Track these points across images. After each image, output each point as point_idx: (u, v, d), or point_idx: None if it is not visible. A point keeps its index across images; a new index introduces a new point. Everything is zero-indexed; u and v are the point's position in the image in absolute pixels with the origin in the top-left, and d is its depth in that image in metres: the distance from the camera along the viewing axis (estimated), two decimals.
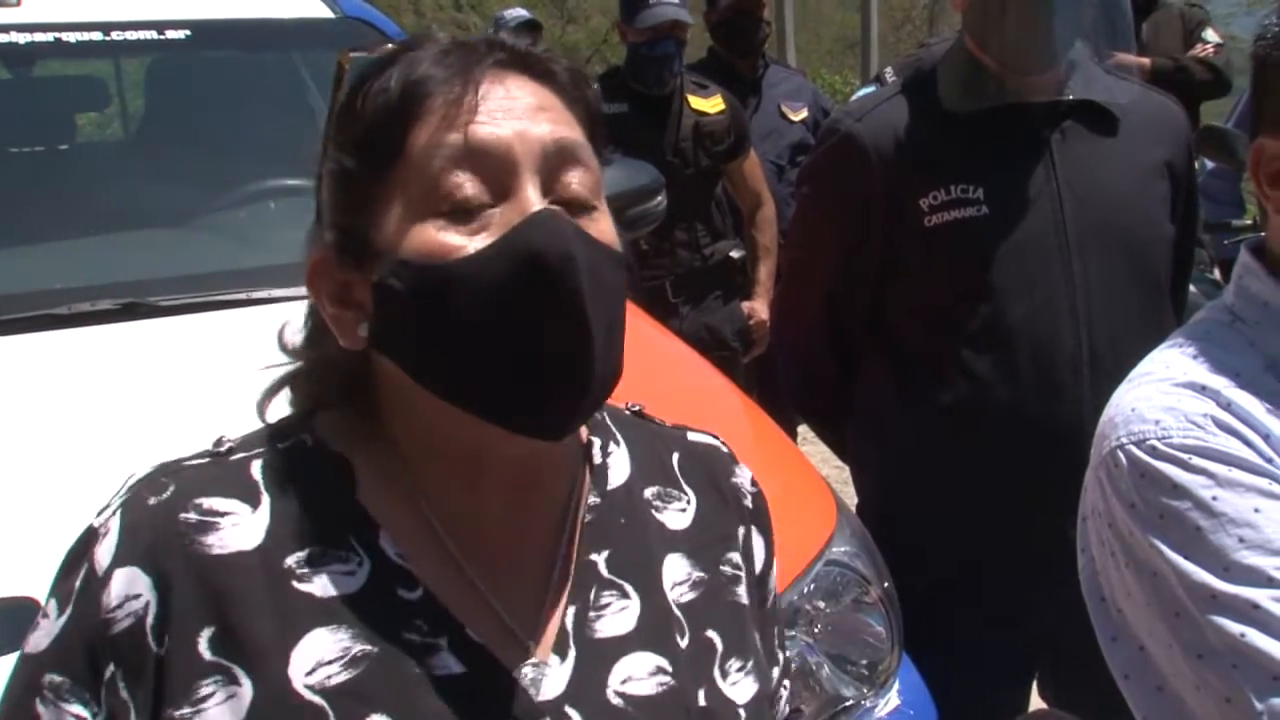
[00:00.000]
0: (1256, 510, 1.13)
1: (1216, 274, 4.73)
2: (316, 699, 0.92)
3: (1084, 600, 1.31)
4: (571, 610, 1.02)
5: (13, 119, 3.20)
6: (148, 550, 0.94)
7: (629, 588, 1.05)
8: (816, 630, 1.96)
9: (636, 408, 1.19)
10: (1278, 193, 1.23)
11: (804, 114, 4.82)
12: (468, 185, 0.93)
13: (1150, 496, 1.18)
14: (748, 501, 1.17)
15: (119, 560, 0.94)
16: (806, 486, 2.17)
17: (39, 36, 2.96)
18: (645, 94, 4.23)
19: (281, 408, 1.08)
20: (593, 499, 1.08)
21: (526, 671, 0.98)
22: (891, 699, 1.98)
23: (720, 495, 1.15)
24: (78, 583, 0.96)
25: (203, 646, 0.92)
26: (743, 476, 1.18)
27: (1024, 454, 2.18)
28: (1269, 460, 1.16)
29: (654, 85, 4.20)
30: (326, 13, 3.20)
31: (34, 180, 2.99)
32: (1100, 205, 2.22)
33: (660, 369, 2.42)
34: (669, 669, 1.03)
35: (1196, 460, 1.17)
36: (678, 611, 1.06)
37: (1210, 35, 5.77)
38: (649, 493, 1.11)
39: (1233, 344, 1.24)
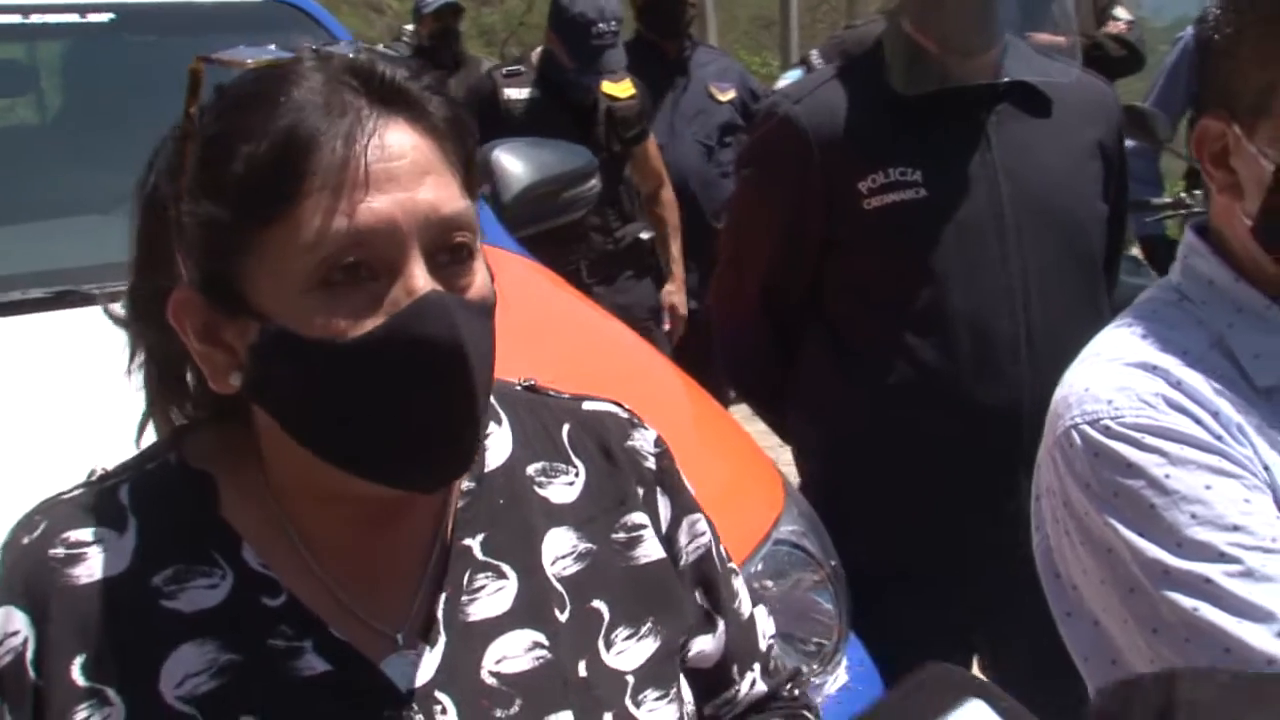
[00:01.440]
0: (1208, 487, 1.16)
1: (1136, 251, 4.82)
2: (187, 709, 0.96)
3: (1021, 578, 1.33)
4: (442, 597, 1.04)
5: None
6: (23, 588, 0.98)
7: (506, 568, 1.08)
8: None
9: (529, 382, 1.21)
10: (1220, 172, 1.25)
11: (732, 94, 4.84)
12: (353, 257, 0.92)
13: (1105, 475, 1.21)
14: (649, 463, 1.18)
15: None
16: (753, 468, 2.19)
17: None
18: (560, 80, 4.26)
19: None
20: (466, 484, 1.09)
21: (393, 662, 1.01)
22: (839, 676, 2.01)
23: (611, 461, 1.16)
24: None
25: (75, 673, 0.96)
26: (642, 439, 1.19)
27: (963, 435, 2.21)
28: (1218, 438, 1.18)
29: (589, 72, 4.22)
30: None
31: None
32: (1037, 187, 2.25)
33: (600, 352, 2.43)
34: (546, 644, 1.05)
35: (1149, 439, 1.19)
36: (559, 585, 1.09)
37: (1121, 13, 5.87)
38: (532, 469, 1.13)
39: (1180, 323, 1.27)
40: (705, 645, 1.19)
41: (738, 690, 1.23)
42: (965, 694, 0.78)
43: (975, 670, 2.46)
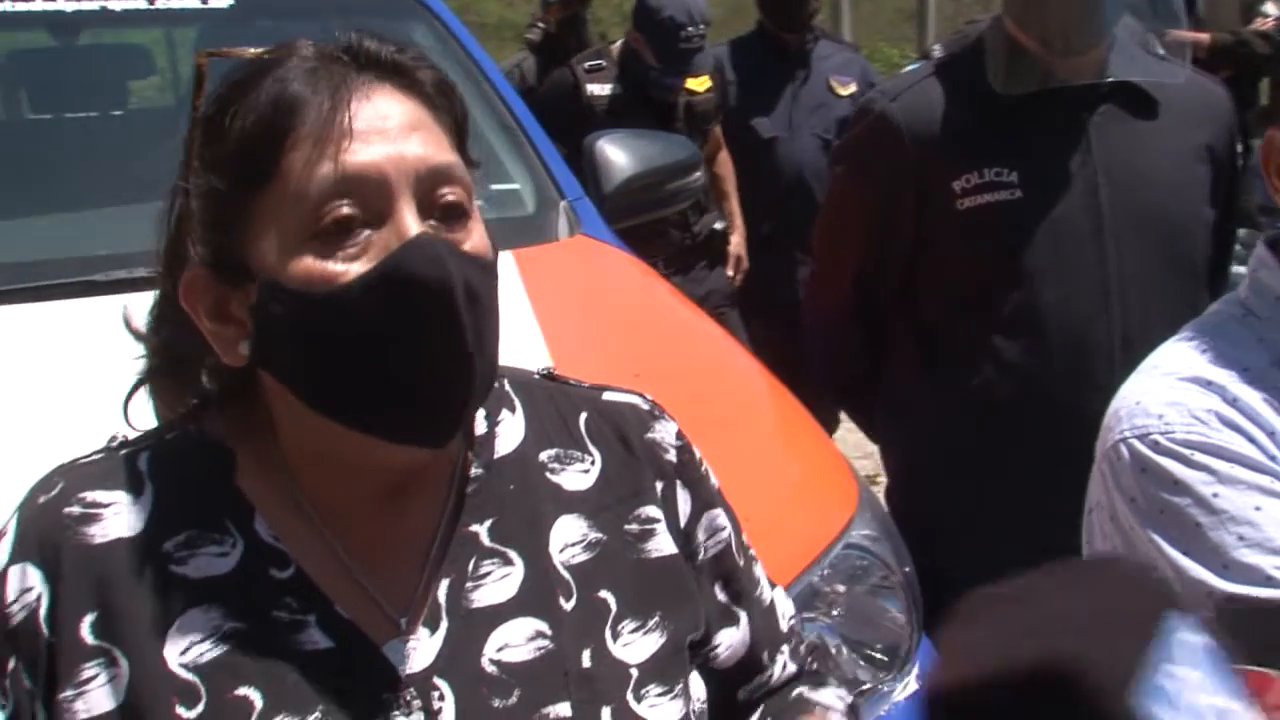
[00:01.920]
0: (1257, 508, 1.12)
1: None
2: (189, 676, 0.97)
3: None
4: (445, 583, 1.05)
5: (65, 86, 3.23)
6: (37, 545, 0.99)
7: (512, 554, 1.07)
8: (834, 614, 1.95)
9: (547, 370, 1.21)
10: None
11: (852, 88, 4.77)
12: (344, 208, 0.94)
13: (1151, 491, 1.17)
14: (669, 455, 1.17)
15: (14, 558, 1.00)
16: (827, 469, 2.17)
17: (85, 5, 2.99)
18: (646, 74, 4.29)
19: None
20: (475, 470, 1.09)
21: (394, 646, 1.01)
22: (910, 684, 1.98)
23: (630, 451, 1.15)
24: None
25: (85, 631, 0.97)
26: (663, 432, 1.18)
27: (1051, 440, 2.16)
28: (1272, 458, 1.14)
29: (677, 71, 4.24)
30: None
31: (89, 146, 3.01)
32: (1138, 190, 2.19)
33: (685, 346, 2.42)
34: (548, 633, 1.05)
35: (1198, 456, 1.15)
36: (565, 574, 1.08)
37: (1270, 9, 5.67)
38: (545, 455, 1.13)
39: (1242, 339, 1.23)
40: (731, 638, 1.19)
41: (770, 675, 1.23)
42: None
43: None
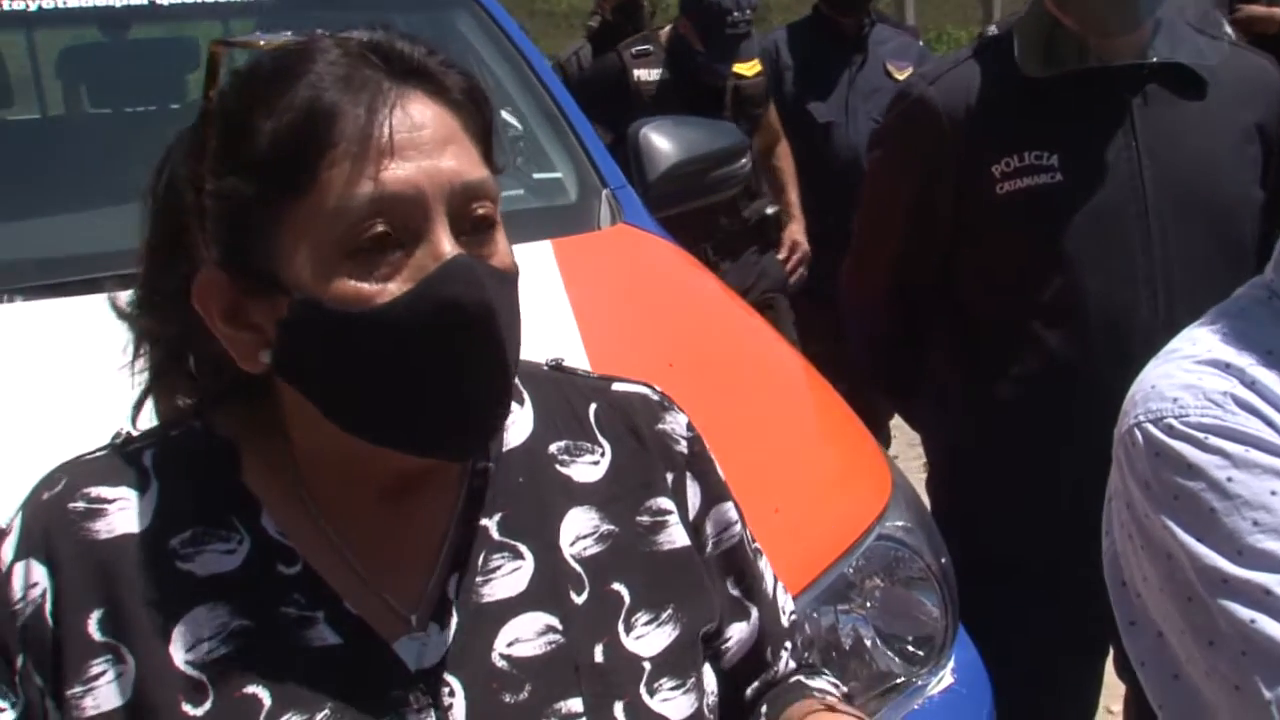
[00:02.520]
0: (1273, 493, 1.09)
1: None
2: (196, 673, 0.96)
3: None
4: (455, 578, 1.04)
5: (122, 80, 3.26)
6: (42, 540, 0.99)
7: (523, 548, 1.07)
8: (867, 605, 1.93)
9: (555, 361, 1.20)
10: None
11: (909, 73, 4.71)
12: (380, 226, 0.93)
13: (1165, 476, 1.15)
14: (680, 447, 1.16)
15: (19, 554, 0.99)
16: (861, 458, 2.14)
17: (134, 0, 3.02)
18: (692, 60, 4.26)
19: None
20: (485, 464, 1.09)
21: (404, 641, 1.01)
22: (945, 677, 1.94)
23: (640, 443, 1.14)
24: None
25: (92, 627, 0.97)
26: (674, 423, 1.18)
27: (1092, 429, 2.11)
28: None
29: (727, 58, 4.22)
30: None
31: (150, 139, 3.04)
32: (1183, 172, 2.13)
33: (722, 334, 2.41)
34: (559, 626, 1.04)
35: (1213, 440, 1.13)
36: (577, 566, 1.07)
37: None
38: (554, 447, 1.12)
39: (1266, 321, 1.19)
40: (741, 633, 1.19)
41: (776, 671, 1.22)
42: None
43: (1109, 670, 2.36)
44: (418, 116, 0.95)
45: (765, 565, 1.23)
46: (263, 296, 0.97)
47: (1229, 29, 3.56)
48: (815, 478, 2.09)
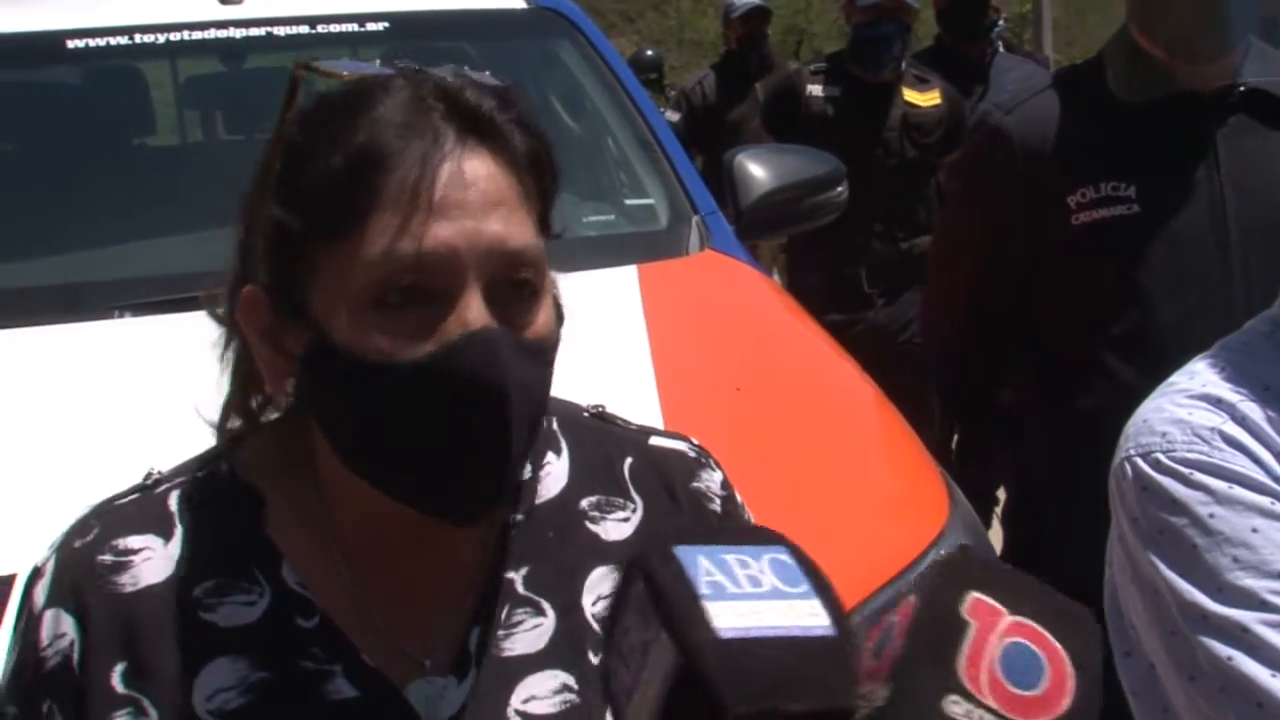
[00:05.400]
0: (1254, 530, 1.09)
1: None
2: None
3: None
4: (476, 630, 1.03)
5: (231, 108, 3.41)
6: (71, 594, 1.00)
7: (545, 604, 1.05)
8: None
9: (598, 408, 1.17)
10: None
11: None
12: (409, 280, 0.91)
13: (1151, 511, 1.15)
14: (714, 505, 1.13)
15: (50, 602, 1.00)
16: (918, 482, 2.11)
17: (253, 31, 3.15)
18: (861, 80, 4.26)
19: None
20: (515, 517, 1.07)
21: (421, 693, 1.00)
22: None
23: (674, 500, 1.11)
24: (23, 622, 1.03)
25: (116, 680, 0.98)
26: (709, 480, 1.14)
27: None
28: (1278, 479, 1.09)
29: (871, 66, 4.20)
30: (520, 3, 3.28)
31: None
32: (1269, 204, 2.07)
33: (790, 363, 2.41)
34: (575, 687, 1.02)
35: (1197, 475, 1.12)
36: (596, 626, 1.04)
37: None
38: (586, 503, 1.10)
39: (1268, 356, 1.18)
40: None
41: None
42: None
43: None
44: (470, 174, 0.92)
45: None
46: (294, 324, 0.96)
47: None
48: (872, 500, 2.07)
